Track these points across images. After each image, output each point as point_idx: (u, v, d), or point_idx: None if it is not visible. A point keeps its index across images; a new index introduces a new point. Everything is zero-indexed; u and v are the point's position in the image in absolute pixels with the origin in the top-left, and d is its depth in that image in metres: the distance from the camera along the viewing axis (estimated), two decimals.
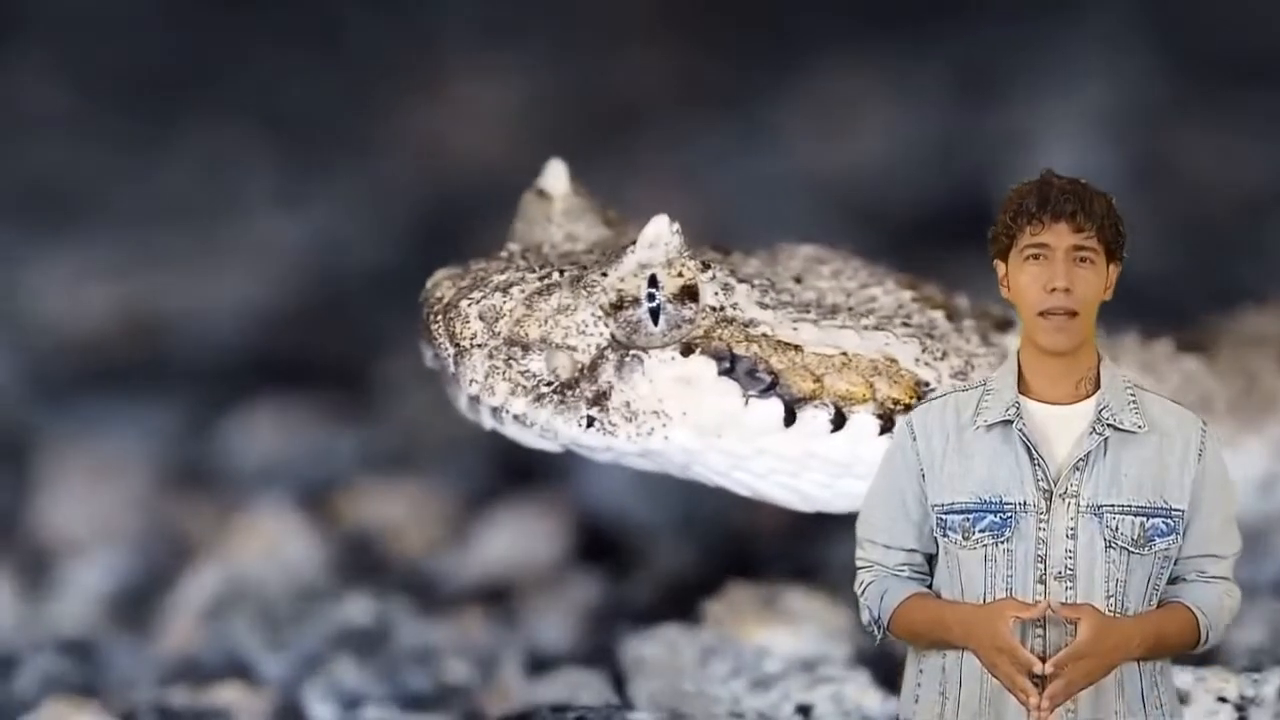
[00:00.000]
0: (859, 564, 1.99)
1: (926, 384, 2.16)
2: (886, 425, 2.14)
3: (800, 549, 2.63)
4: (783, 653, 2.29)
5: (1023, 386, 1.94)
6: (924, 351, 2.17)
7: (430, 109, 4.42)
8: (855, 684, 2.24)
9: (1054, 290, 1.91)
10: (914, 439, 1.96)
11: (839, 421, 2.14)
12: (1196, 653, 1.96)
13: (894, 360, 2.16)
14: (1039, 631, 1.90)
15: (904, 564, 1.97)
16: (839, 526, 2.44)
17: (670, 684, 2.28)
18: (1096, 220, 1.91)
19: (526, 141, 4.11)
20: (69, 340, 3.57)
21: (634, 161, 4.07)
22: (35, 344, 3.55)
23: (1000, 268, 1.94)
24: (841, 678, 2.24)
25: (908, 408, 2.14)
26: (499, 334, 2.14)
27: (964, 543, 1.93)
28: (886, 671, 2.25)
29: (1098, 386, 1.94)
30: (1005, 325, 2.24)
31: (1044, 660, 1.88)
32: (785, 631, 2.32)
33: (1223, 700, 2.11)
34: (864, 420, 2.14)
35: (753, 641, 2.30)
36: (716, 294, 2.14)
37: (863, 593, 1.97)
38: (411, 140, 4.33)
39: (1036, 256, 1.92)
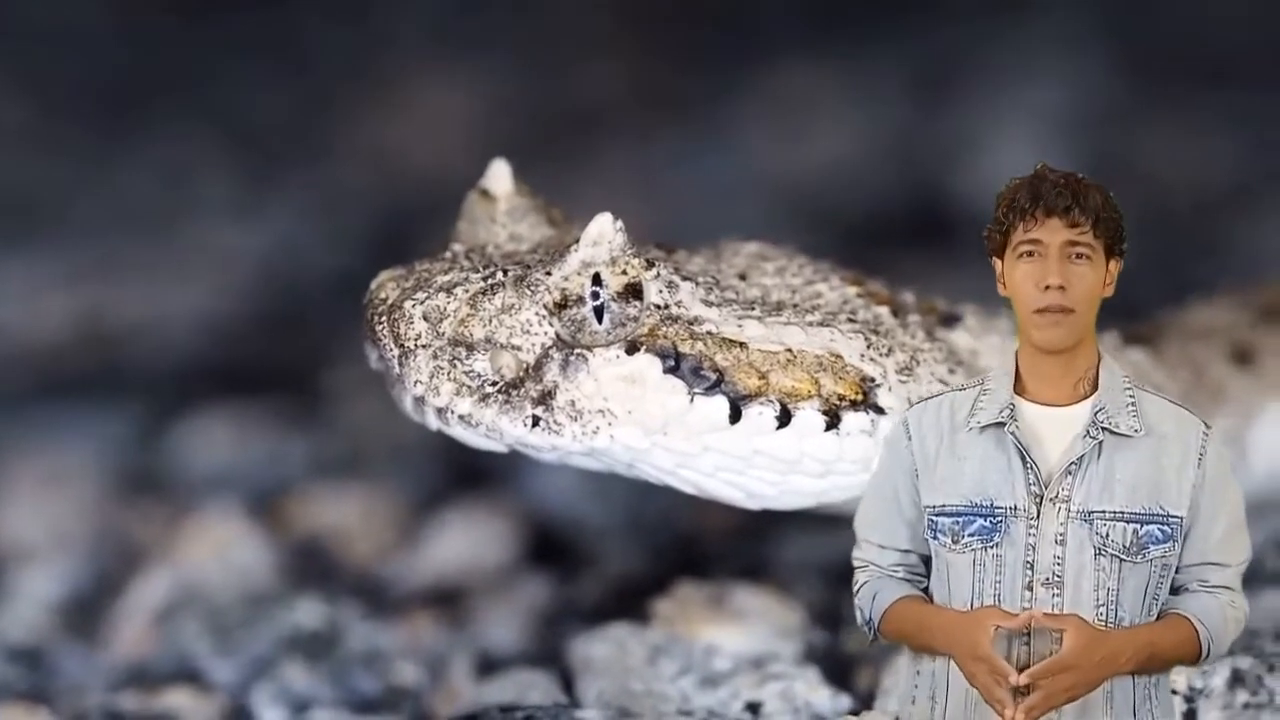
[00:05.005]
0: (855, 563, 1.97)
1: (872, 379, 2.14)
2: (832, 421, 2.13)
3: (748, 547, 2.62)
4: (731, 650, 2.28)
5: (1019, 387, 1.92)
6: (869, 347, 2.16)
7: (387, 117, 4.41)
8: (804, 681, 2.23)
9: (1048, 288, 1.88)
10: (909, 439, 1.95)
11: (784, 418, 2.13)
12: (1198, 667, 1.92)
13: (839, 356, 2.14)
14: (1024, 641, 1.87)
15: (898, 564, 1.95)
16: (787, 524, 2.45)
17: (619, 683, 2.27)
18: (1091, 215, 1.88)
19: (483, 148, 4.07)
20: (23, 348, 3.56)
21: (591, 166, 4.07)
22: None
23: (997, 265, 1.92)
24: (790, 675, 2.23)
25: (853, 404, 2.13)
26: (443, 334, 2.13)
27: (953, 546, 1.91)
28: (835, 669, 2.25)
29: (1096, 387, 1.91)
30: (951, 320, 2.23)
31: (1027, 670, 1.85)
32: (734, 629, 2.31)
33: (1172, 692, 2.10)
34: (809, 416, 2.13)
35: (701, 640, 2.29)
36: (661, 292, 2.13)
37: (857, 593, 1.96)
38: (368, 148, 4.32)
39: (1030, 253, 1.88)
